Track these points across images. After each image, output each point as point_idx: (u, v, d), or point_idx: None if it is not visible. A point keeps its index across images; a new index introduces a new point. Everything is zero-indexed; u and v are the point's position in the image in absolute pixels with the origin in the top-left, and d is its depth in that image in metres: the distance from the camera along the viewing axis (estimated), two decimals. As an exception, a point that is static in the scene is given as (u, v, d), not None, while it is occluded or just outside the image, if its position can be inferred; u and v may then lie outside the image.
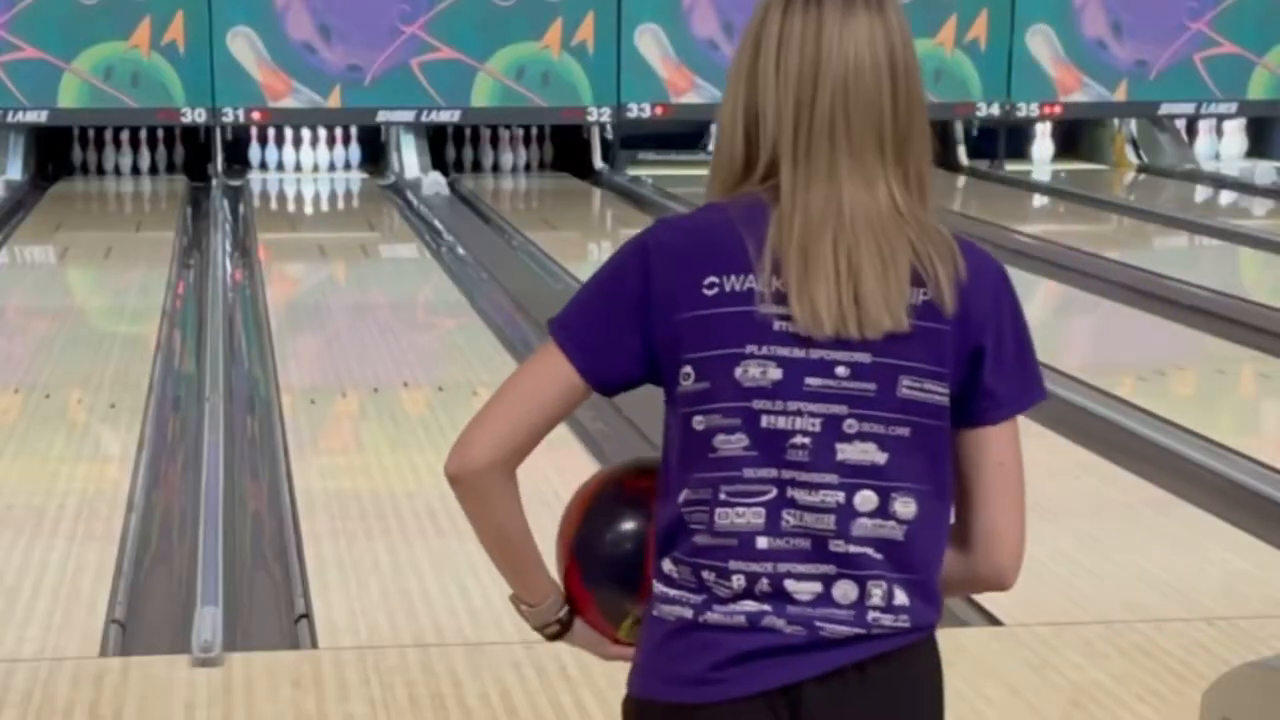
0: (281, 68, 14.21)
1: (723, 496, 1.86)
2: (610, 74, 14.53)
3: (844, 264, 1.82)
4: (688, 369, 1.86)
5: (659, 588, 1.93)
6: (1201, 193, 14.30)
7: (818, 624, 1.87)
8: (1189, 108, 15.43)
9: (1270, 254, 10.91)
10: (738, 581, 1.87)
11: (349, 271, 10.56)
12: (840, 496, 1.85)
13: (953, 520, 1.94)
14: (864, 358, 1.84)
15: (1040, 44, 15.05)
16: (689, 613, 1.90)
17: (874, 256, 1.82)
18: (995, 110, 15.12)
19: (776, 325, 1.83)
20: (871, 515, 1.86)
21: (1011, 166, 15.26)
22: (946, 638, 4.38)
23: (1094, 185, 14.57)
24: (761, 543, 1.86)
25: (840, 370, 1.84)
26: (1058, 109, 15.24)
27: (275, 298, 9.35)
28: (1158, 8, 15.18)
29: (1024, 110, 15.16)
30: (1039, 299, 10.25)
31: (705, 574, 1.89)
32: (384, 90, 14.32)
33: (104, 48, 14.04)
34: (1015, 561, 1.95)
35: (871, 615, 1.88)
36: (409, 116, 14.46)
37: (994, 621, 4.51)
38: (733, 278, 1.84)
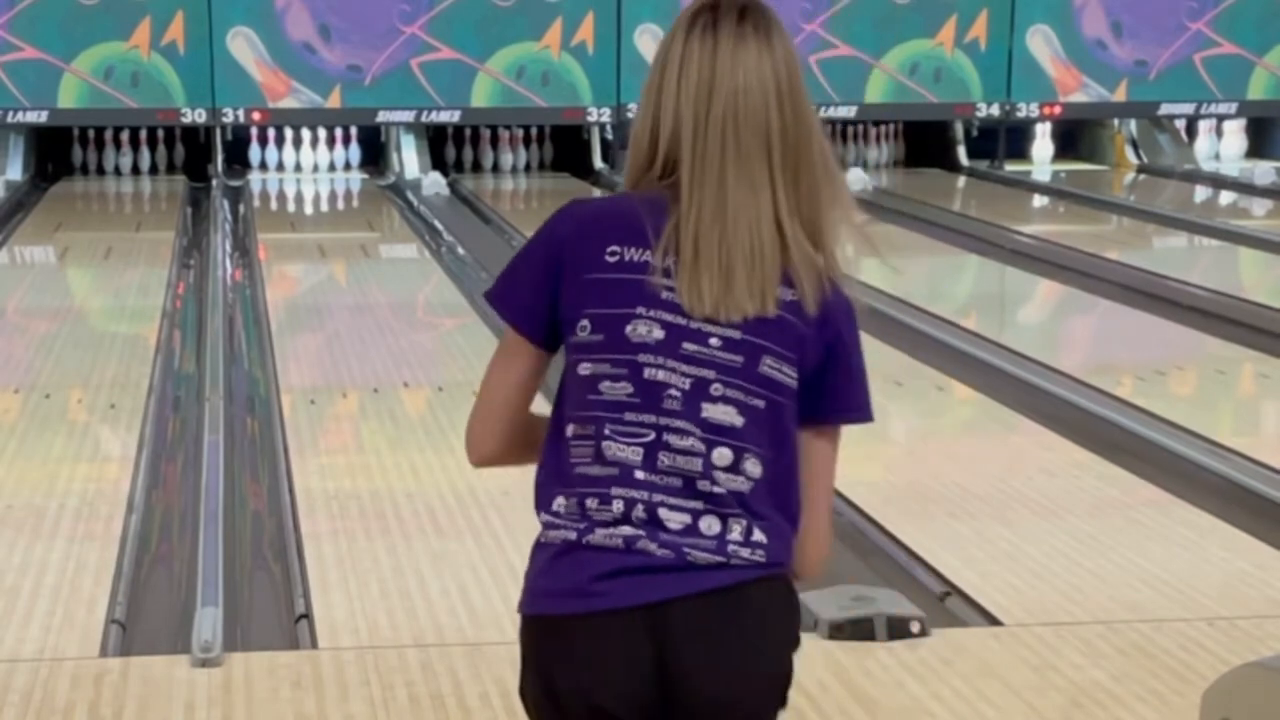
0: (281, 68, 14.21)
1: (607, 432, 2.14)
2: (610, 74, 14.53)
3: (724, 258, 2.12)
4: (585, 322, 2.15)
5: (546, 518, 2.19)
6: (1201, 193, 14.30)
7: (685, 550, 2.14)
8: (1189, 108, 15.43)
9: (1270, 254, 10.91)
10: (618, 507, 2.14)
11: (349, 271, 10.56)
12: (704, 447, 2.14)
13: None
14: (734, 334, 2.14)
15: (1040, 44, 15.05)
16: (573, 535, 2.16)
17: (747, 255, 2.12)
18: (995, 110, 15.12)
19: (664, 295, 2.14)
20: (726, 470, 2.15)
21: (1011, 167, 15.25)
22: (946, 638, 4.37)
23: (1094, 185, 14.57)
24: (639, 475, 2.14)
25: (713, 341, 2.13)
26: (1058, 109, 15.24)
27: (275, 298, 9.35)
28: (1158, 8, 15.18)
29: (1024, 110, 15.16)
30: (1039, 299, 10.25)
31: (589, 501, 2.15)
32: (384, 90, 14.33)
33: (104, 48, 14.04)
34: (820, 558, 2.29)
35: (731, 548, 2.16)
36: (409, 116, 14.47)
37: (994, 621, 4.51)
38: (632, 250, 2.14)
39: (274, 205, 13.76)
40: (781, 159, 2.15)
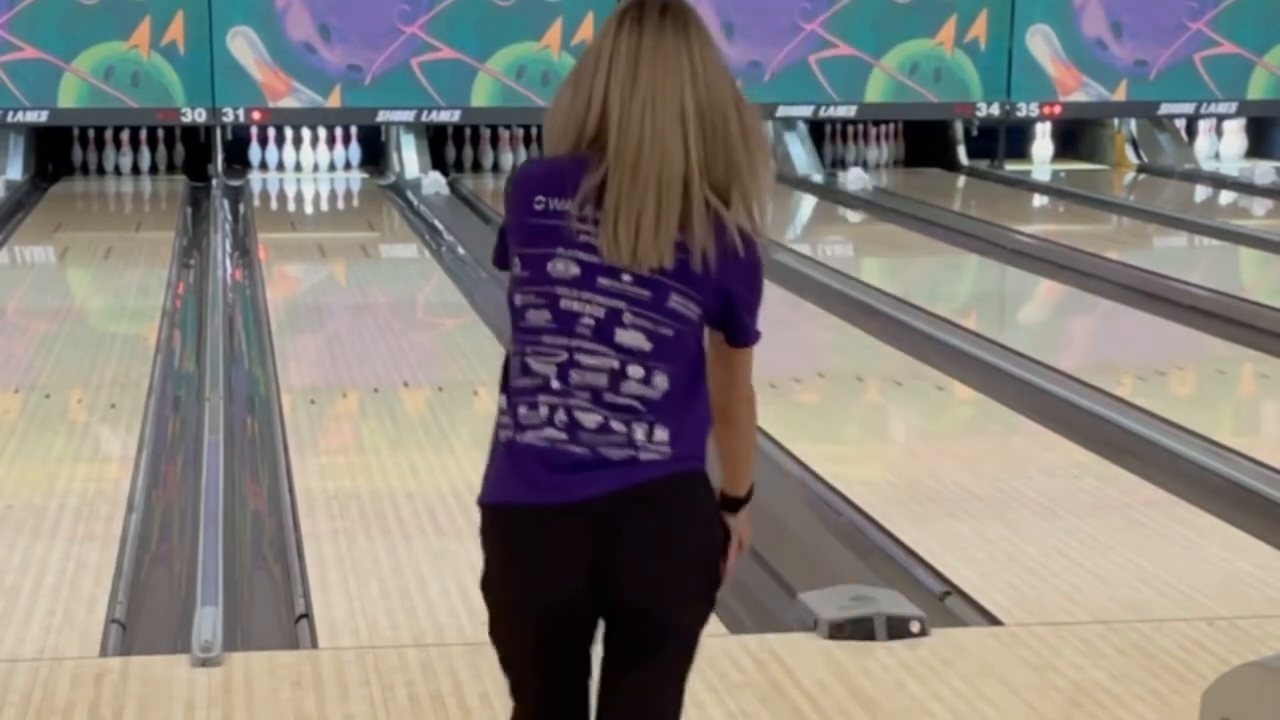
0: (281, 68, 14.21)
1: (529, 352, 2.56)
2: (610, 74, 14.52)
3: (638, 214, 2.50)
4: (517, 260, 2.57)
5: (498, 415, 2.61)
6: (1201, 193, 14.30)
7: (600, 448, 2.53)
8: (1189, 108, 15.43)
9: (1270, 254, 10.92)
10: (543, 412, 2.54)
11: (349, 271, 10.56)
12: (615, 365, 2.53)
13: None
14: (644, 273, 2.52)
15: (1040, 44, 15.05)
16: (510, 434, 2.57)
17: (653, 216, 2.50)
18: (995, 110, 15.12)
19: (581, 238, 2.52)
20: (639, 381, 2.54)
21: (1011, 166, 15.26)
22: (946, 638, 4.37)
23: (1094, 185, 14.57)
24: (555, 385, 2.54)
25: (625, 278, 2.52)
26: (1057, 109, 15.24)
27: (275, 298, 9.35)
28: (1158, 8, 15.18)
29: (1024, 110, 15.17)
30: (1039, 299, 10.25)
31: (521, 408, 2.56)
32: (384, 90, 14.33)
33: (104, 48, 14.04)
34: (749, 428, 2.73)
35: (639, 444, 2.54)
36: (409, 116, 14.47)
37: (994, 621, 4.51)
38: (555, 200, 2.54)
39: (274, 205, 13.76)
40: (697, 132, 2.51)
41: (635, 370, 2.53)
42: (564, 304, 2.53)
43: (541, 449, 2.54)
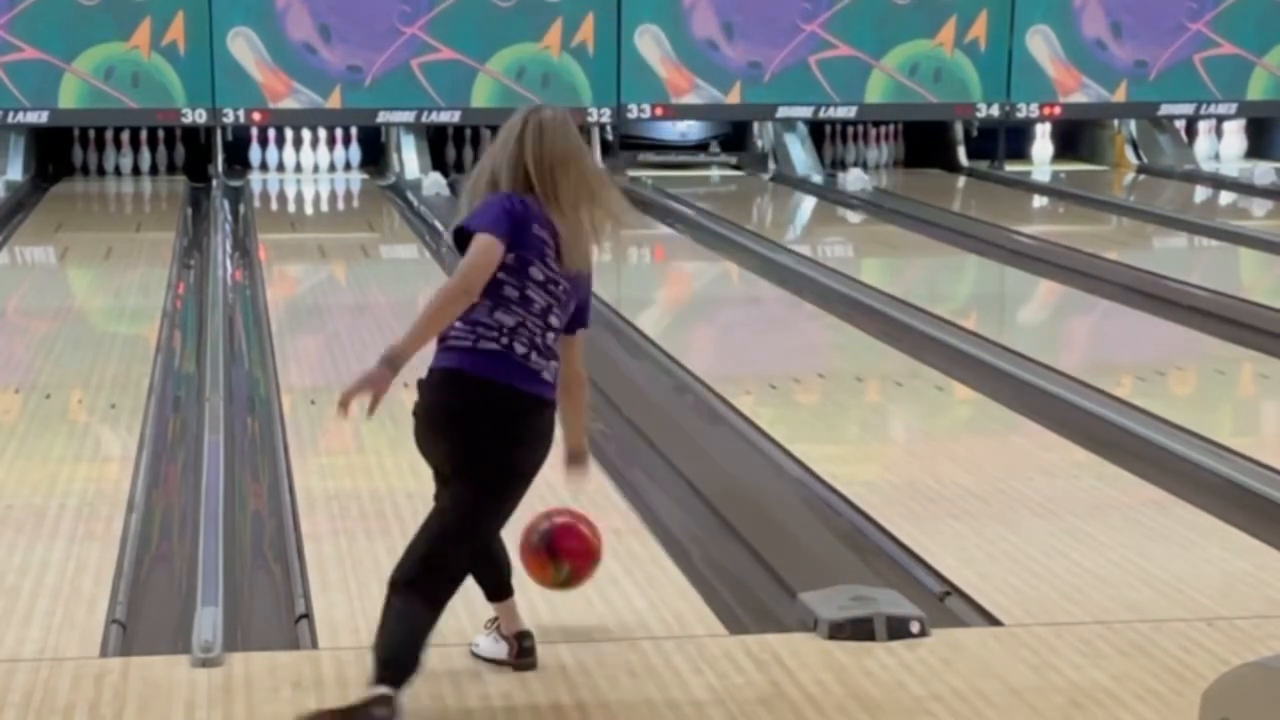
0: (282, 68, 14.22)
1: (498, 309, 3.88)
2: (610, 75, 14.55)
3: (570, 242, 3.94)
4: (511, 256, 3.86)
5: (468, 333, 3.90)
6: (1201, 193, 14.31)
7: (530, 365, 3.88)
8: (1189, 108, 15.44)
9: (1270, 254, 10.92)
10: (503, 342, 3.87)
11: (349, 271, 10.57)
12: (542, 330, 3.91)
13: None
14: (567, 284, 3.95)
15: (1040, 45, 15.06)
16: (469, 343, 3.88)
17: (577, 239, 3.95)
18: (995, 111, 15.13)
19: (548, 255, 3.92)
20: (549, 344, 3.93)
21: (1011, 167, 15.27)
22: (946, 638, 4.36)
23: (1094, 186, 14.58)
24: (514, 328, 3.88)
25: (562, 285, 3.94)
26: (1057, 110, 15.25)
27: (275, 298, 9.36)
28: (1157, 8, 15.19)
29: (1024, 111, 15.18)
30: (1039, 299, 10.26)
31: (479, 329, 3.88)
32: (384, 91, 14.34)
33: (104, 48, 14.05)
34: (583, 395, 4.15)
35: (545, 372, 3.91)
36: (409, 117, 14.48)
37: (994, 621, 4.51)
38: (541, 229, 3.91)
39: (274, 205, 13.77)
40: (582, 189, 3.95)
41: (551, 336, 3.93)
42: (529, 293, 3.90)
43: (492, 353, 3.90)
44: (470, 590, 4.12)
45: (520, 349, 3.85)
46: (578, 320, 4.00)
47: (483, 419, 3.84)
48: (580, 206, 3.93)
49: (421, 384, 3.96)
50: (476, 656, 4.16)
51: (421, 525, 3.94)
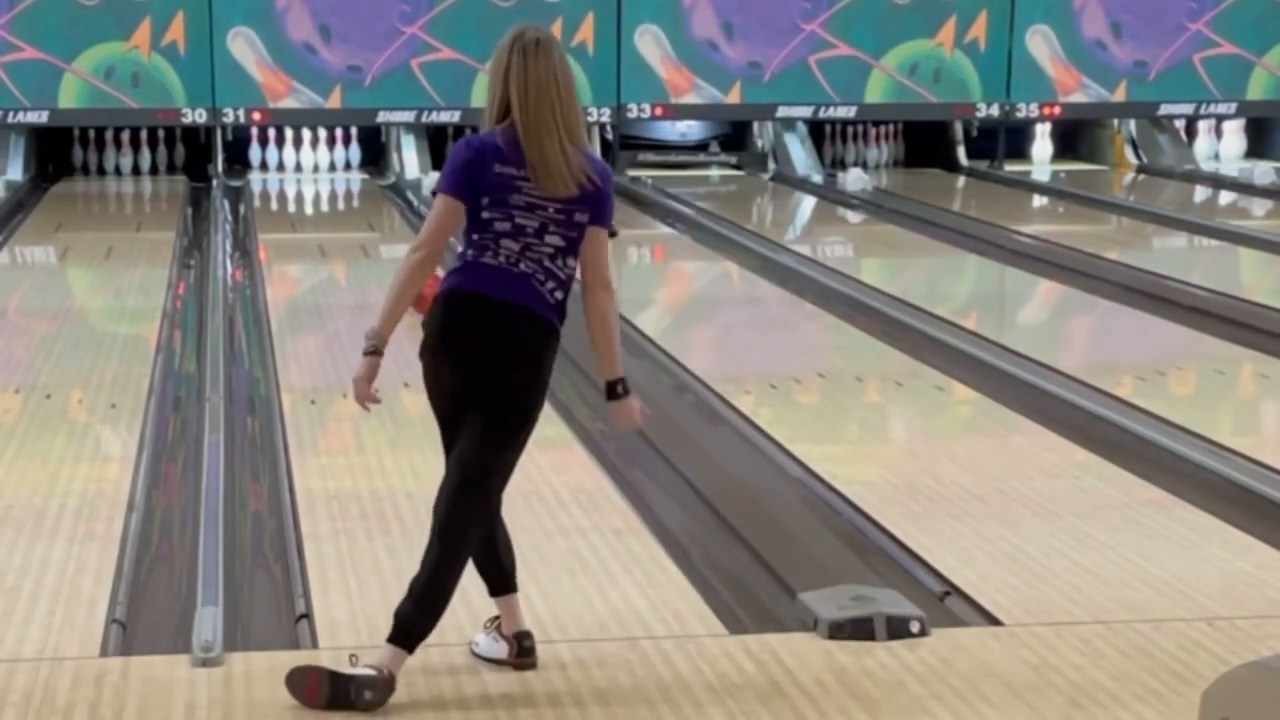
0: (282, 68, 14.22)
1: (492, 243, 4.01)
2: (610, 74, 14.54)
3: (551, 167, 3.97)
4: (485, 198, 3.99)
5: (473, 253, 4.04)
6: (1201, 193, 14.31)
7: (529, 281, 3.99)
8: (1188, 108, 15.44)
9: (1270, 254, 10.92)
10: (503, 259, 4.00)
11: (349, 271, 10.57)
12: (546, 252, 4.01)
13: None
14: (561, 203, 3.99)
15: (1040, 44, 15.06)
16: (470, 254, 4.04)
17: (558, 164, 3.98)
18: (995, 111, 15.13)
19: (524, 186, 3.98)
20: (552, 264, 4.02)
21: (1011, 167, 15.27)
22: (946, 638, 4.36)
23: (1093, 185, 14.58)
24: (515, 251, 4.01)
25: (552, 207, 4.00)
26: (1057, 110, 15.26)
27: (275, 298, 9.36)
28: (1157, 8, 15.19)
29: (1023, 111, 15.18)
30: (1039, 299, 10.26)
31: (478, 251, 4.02)
32: (384, 91, 14.34)
33: (104, 48, 14.05)
34: (611, 298, 4.15)
35: (546, 294, 4.01)
36: (409, 117, 14.48)
37: (994, 621, 4.51)
38: (507, 166, 3.99)
39: (274, 205, 13.77)
40: (562, 114, 3.97)
41: (553, 255, 4.02)
42: (518, 220, 4.00)
43: (494, 267, 4.03)
44: (470, 590, 4.13)
45: (526, 267, 4.00)
46: (595, 221, 4.05)
47: (484, 335, 4.02)
48: (550, 134, 3.98)
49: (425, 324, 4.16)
50: (476, 656, 4.16)
51: (441, 483, 4.11)
